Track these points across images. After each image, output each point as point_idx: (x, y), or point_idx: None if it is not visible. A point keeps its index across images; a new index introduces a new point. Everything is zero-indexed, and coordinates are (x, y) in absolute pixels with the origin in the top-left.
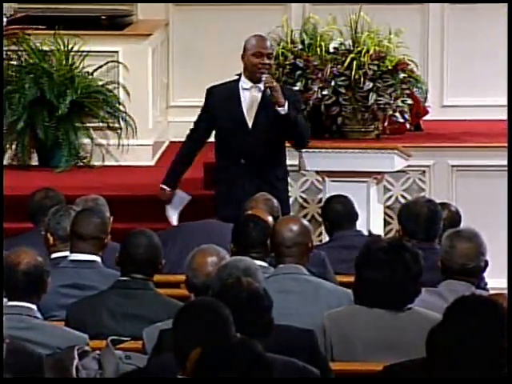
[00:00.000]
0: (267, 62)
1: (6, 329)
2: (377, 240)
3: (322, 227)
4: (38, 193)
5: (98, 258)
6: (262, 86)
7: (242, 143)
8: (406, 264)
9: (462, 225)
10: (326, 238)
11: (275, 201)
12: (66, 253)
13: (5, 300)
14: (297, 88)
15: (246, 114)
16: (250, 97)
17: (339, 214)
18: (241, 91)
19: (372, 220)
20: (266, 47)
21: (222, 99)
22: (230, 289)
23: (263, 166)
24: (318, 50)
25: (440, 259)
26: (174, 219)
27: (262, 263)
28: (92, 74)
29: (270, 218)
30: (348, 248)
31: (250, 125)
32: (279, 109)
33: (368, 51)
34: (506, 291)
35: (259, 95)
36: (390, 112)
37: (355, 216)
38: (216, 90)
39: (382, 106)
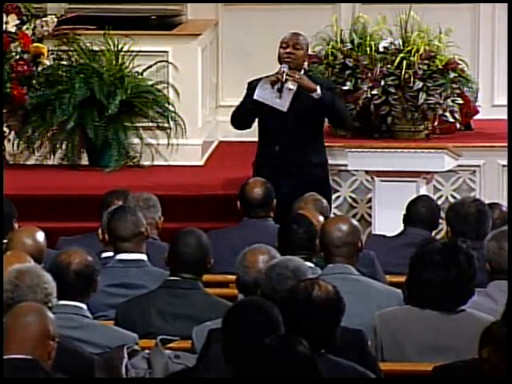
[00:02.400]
0: (289, 50)
1: (56, 328)
2: (432, 241)
3: (371, 227)
4: (117, 200)
5: (144, 257)
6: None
7: (277, 127)
8: (460, 265)
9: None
10: None
11: (324, 201)
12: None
13: (55, 300)
14: (346, 87)
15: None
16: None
17: (420, 214)
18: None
19: None
20: (291, 38)
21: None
22: (302, 290)
23: (297, 152)
24: (368, 49)
25: (488, 261)
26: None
27: (309, 264)
28: (142, 73)
29: (322, 218)
30: (411, 246)
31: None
32: (312, 94)
33: (418, 51)
34: None
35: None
36: (440, 112)
37: (434, 223)
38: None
39: (431, 106)
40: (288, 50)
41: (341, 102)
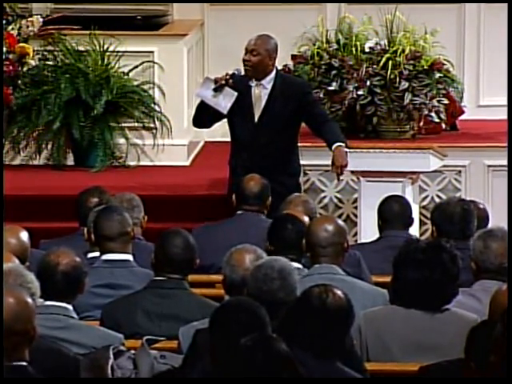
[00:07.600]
0: (246, 58)
1: (42, 328)
2: (415, 240)
3: (357, 227)
4: (92, 197)
5: (130, 257)
6: (264, 82)
7: (246, 134)
8: (444, 265)
9: (497, 225)
10: (361, 238)
11: (311, 201)
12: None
13: (41, 300)
14: (332, 88)
15: (254, 108)
16: (255, 93)
17: (394, 213)
18: (252, 87)
19: None
20: (250, 44)
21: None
22: (316, 297)
23: (267, 160)
24: (354, 49)
25: (473, 260)
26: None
27: (298, 265)
28: (127, 74)
29: (307, 219)
30: (393, 248)
31: (256, 119)
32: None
33: (403, 51)
34: None
35: (264, 91)
36: (426, 112)
37: (409, 219)
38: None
39: (417, 106)
40: (245, 57)
41: (333, 122)
